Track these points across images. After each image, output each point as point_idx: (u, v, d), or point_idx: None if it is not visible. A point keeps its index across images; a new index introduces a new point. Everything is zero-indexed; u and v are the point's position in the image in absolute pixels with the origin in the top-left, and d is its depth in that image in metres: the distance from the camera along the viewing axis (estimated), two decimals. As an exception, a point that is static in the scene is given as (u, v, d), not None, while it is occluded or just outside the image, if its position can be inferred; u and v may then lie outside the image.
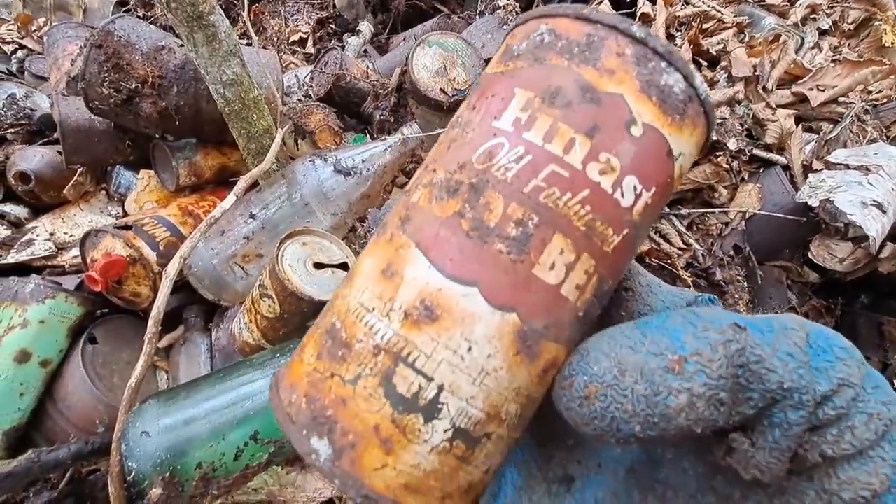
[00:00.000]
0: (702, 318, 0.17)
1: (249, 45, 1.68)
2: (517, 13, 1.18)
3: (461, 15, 1.73)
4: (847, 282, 1.08)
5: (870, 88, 1.13)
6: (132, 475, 0.68)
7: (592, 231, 0.19)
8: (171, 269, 0.76)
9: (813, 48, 1.25)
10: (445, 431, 0.19)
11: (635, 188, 0.20)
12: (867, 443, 0.16)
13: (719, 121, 0.93)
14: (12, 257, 1.09)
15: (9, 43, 1.96)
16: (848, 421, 0.16)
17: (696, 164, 0.97)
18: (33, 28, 2.02)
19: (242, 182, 0.85)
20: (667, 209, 1.02)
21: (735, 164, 0.98)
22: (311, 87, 1.27)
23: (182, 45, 1.00)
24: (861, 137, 1.06)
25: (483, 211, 0.19)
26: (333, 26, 2.05)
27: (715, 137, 0.92)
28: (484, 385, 0.19)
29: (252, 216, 0.91)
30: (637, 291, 0.24)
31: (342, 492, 0.18)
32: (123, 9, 2.09)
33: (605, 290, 0.21)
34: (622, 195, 0.20)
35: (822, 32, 1.30)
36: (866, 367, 0.17)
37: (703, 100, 0.21)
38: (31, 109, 1.38)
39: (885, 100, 1.15)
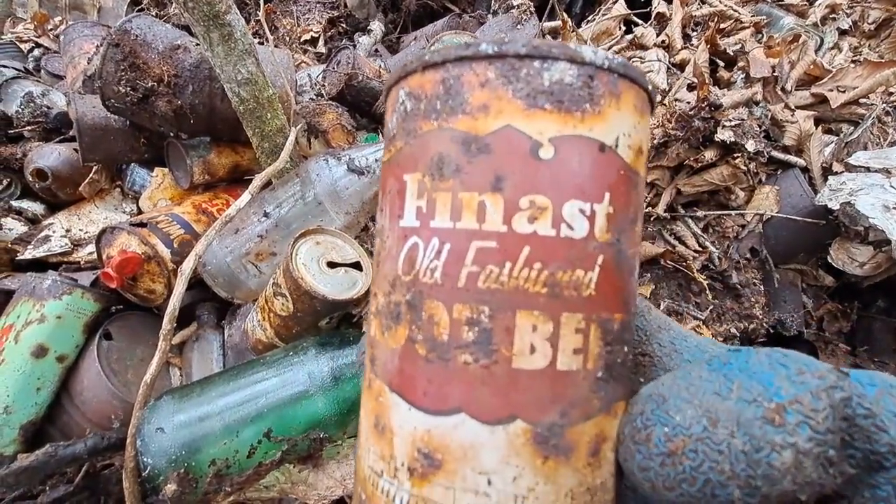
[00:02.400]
0: (792, 359, 0.15)
1: (262, 44, 1.68)
2: (531, 13, 1.17)
3: (472, 14, 1.72)
4: (864, 286, 1.06)
5: (891, 90, 1.11)
6: (147, 470, 0.68)
7: (558, 287, 0.16)
8: (187, 266, 0.77)
9: (832, 48, 1.22)
10: None
11: (582, 211, 0.17)
12: None
13: (738, 122, 0.91)
14: (29, 253, 1.10)
15: (26, 41, 1.98)
16: None
17: (713, 165, 0.96)
18: (49, 27, 2.04)
19: (257, 181, 0.85)
20: (682, 211, 1.01)
21: (752, 165, 0.97)
22: (324, 86, 1.27)
23: (197, 44, 1.00)
24: (882, 139, 1.05)
25: (430, 326, 0.17)
26: (344, 25, 2.06)
27: (733, 139, 0.91)
28: None
29: (266, 215, 0.91)
30: (655, 356, 0.21)
31: None
32: (137, 7, 2.11)
33: (618, 329, 0.18)
34: (571, 229, 0.17)
35: (842, 32, 1.28)
36: None
37: (607, 67, 0.17)
38: (48, 107, 1.40)
39: (906, 101, 1.12)
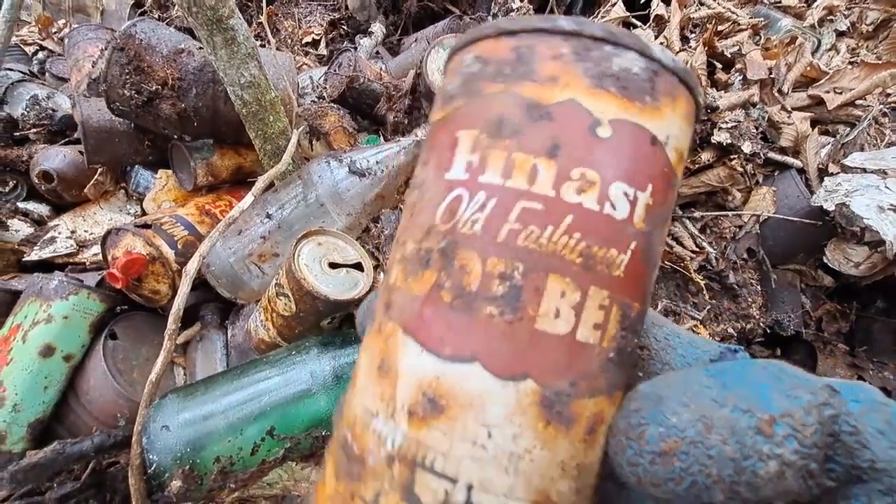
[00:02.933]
0: (787, 374, 0.15)
1: (264, 46, 1.70)
2: (530, 15, 1.18)
3: (472, 16, 1.73)
4: (863, 286, 1.07)
5: (888, 91, 1.11)
6: (153, 468, 0.69)
7: (592, 260, 0.17)
8: (191, 267, 0.78)
9: (830, 50, 1.23)
10: None
11: (626, 195, 0.17)
12: None
13: (734, 124, 0.92)
14: (35, 254, 1.12)
15: (30, 44, 2.00)
16: None
17: (710, 166, 0.97)
18: (53, 30, 2.06)
19: (260, 183, 0.87)
20: (680, 212, 1.02)
21: (749, 167, 0.98)
22: (326, 88, 1.28)
23: (201, 48, 1.02)
24: (879, 140, 1.05)
25: (461, 275, 0.17)
26: (346, 28, 2.07)
27: (730, 140, 0.92)
28: (520, 471, 0.16)
29: (268, 216, 0.93)
30: (653, 350, 0.22)
31: None
32: (140, 10, 2.13)
33: (634, 318, 0.18)
34: (613, 208, 0.17)
35: (840, 34, 1.29)
36: None
37: (671, 68, 0.18)
38: (53, 110, 1.42)
39: (903, 102, 1.13)
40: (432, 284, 0.18)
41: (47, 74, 1.77)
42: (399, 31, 2.14)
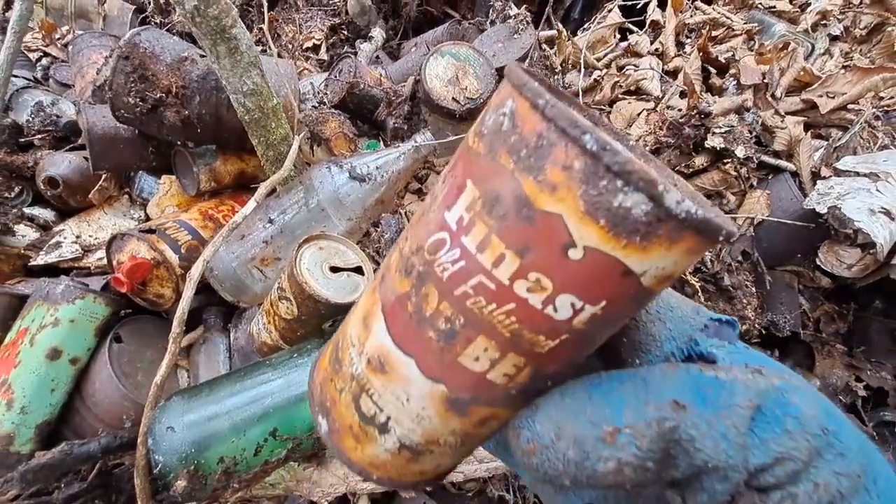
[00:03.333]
0: (650, 389, 0.18)
1: (264, 51, 1.72)
2: (527, 23, 1.20)
3: (472, 21, 1.75)
4: (861, 287, 1.08)
5: (881, 95, 1.13)
6: (158, 468, 0.71)
7: (519, 337, 0.20)
8: (196, 271, 0.80)
9: (824, 54, 1.25)
10: (394, 443, 0.24)
11: (573, 305, 0.19)
12: None
13: (728, 128, 0.94)
14: (41, 259, 1.13)
15: (34, 51, 2.02)
16: (793, 487, 0.17)
17: (704, 170, 0.98)
18: (57, 36, 2.08)
19: (263, 189, 0.89)
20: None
21: (743, 170, 0.99)
22: (326, 94, 1.30)
23: (204, 56, 1.04)
24: (872, 144, 1.07)
25: (423, 301, 0.22)
26: (346, 32, 2.09)
27: (723, 145, 0.94)
28: (421, 425, 0.24)
29: (270, 221, 0.94)
30: (641, 321, 0.24)
31: (331, 452, 0.24)
32: (141, 15, 2.15)
33: (549, 374, 0.22)
34: (555, 311, 0.19)
35: (834, 38, 1.30)
36: (830, 434, 0.17)
37: (683, 219, 0.17)
38: (57, 116, 1.43)
39: (896, 106, 1.15)
40: (406, 292, 0.23)
41: (51, 80, 1.79)
42: (399, 36, 2.16)
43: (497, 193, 0.19)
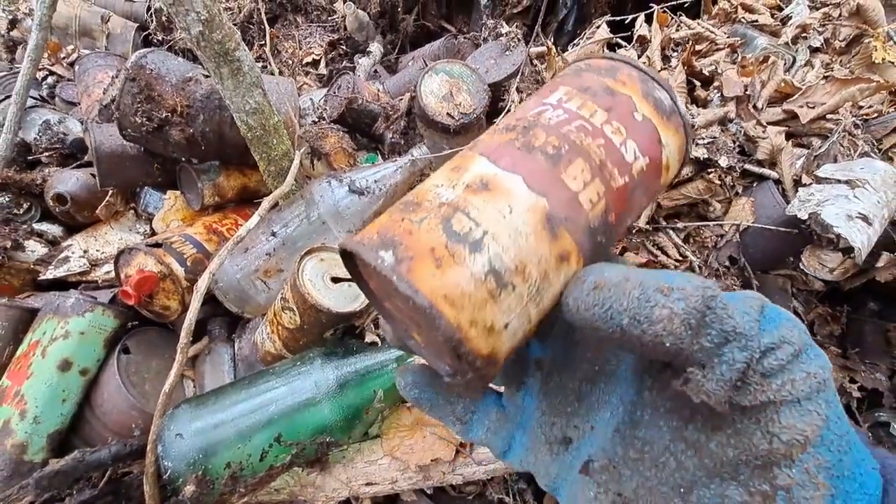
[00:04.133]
0: (684, 275, 0.23)
1: (265, 68, 1.76)
2: (518, 40, 1.25)
3: (467, 36, 1.80)
4: (854, 289, 1.11)
5: (861, 104, 1.17)
6: (167, 474, 0.74)
7: (604, 166, 0.27)
8: (202, 284, 0.83)
9: (805, 66, 1.30)
10: (483, 265, 0.23)
11: (635, 151, 0.28)
12: (803, 393, 0.20)
13: (711, 139, 0.98)
14: (50, 273, 1.17)
15: (40, 70, 2.07)
16: (790, 374, 0.20)
17: (689, 180, 1.02)
18: (62, 55, 2.13)
19: (266, 203, 0.92)
20: (663, 222, 1.08)
21: (728, 179, 1.03)
22: (325, 109, 1.34)
23: (207, 76, 1.08)
24: (852, 151, 1.11)
25: (531, 138, 0.27)
26: (344, 48, 2.14)
27: (707, 155, 0.97)
28: (517, 241, 0.24)
29: (273, 234, 0.98)
30: None
31: (398, 287, 0.22)
32: (144, 33, 2.20)
33: (608, 222, 0.27)
34: (626, 151, 0.28)
35: (815, 50, 1.35)
36: (809, 340, 0.22)
37: (681, 115, 0.30)
38: (64, 134, 1.48)
39: (875, 115, 1.19)
40: (510, 139, 0.27)
41: (57, 99, 1.84)
42: (397, 50, 2.21)
43: (587, 85, 0.30)
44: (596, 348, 0.29)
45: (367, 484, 0.85)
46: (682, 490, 0.24)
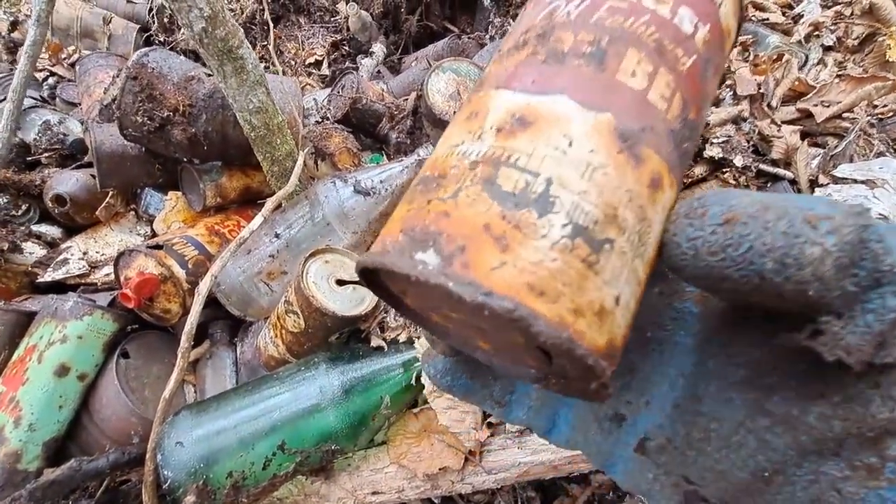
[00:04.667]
0: (828, 200, 0.17)
1: (268, 68, 1.75)
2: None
3: (471, 35, 1.79)
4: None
5: (875, 103, 1.15)
6: (167, 483, 0.71)
7: (662, 48, 0.20)
8: (204, 286, 0.81)
9: (818, 64, 1.27)
10: (564, 226, 0.17)
11: (691, 19, 0.21)
12: None
13: (726, 138, 0.96)
14: (49, 276, 1.14)
15: (40, 70, 2.06)
16: None
17: (703, 180, 1.00)
18: (63, 56, 2.12)
19: (269, 204, 0.90)
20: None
21: (742, 179, 1.00)
22: (329, 109, 1.32)
23: (210, 75, 1.06)
24: (868, 151, 1.08)
25: (555, 44, 0.20)
26: (347, 48, 2.13)
27: (722, 154, 0.95)
28: (594, 180, 0.18)
29: (277, 236, 0.96)
30: None
31: (460, 295, 0.16)
32: (146, 34, 2.19)
33: (690, 119, 0.21)
34: (681, 22, 0.21)
35: (827, 48, 1.33)
36: None
37: None
38: (64, 134, 1.46)
39: (891, 114, 1.17)
40: (528, 55, 0.21)
41: (58, 99, 1.82)
42: (400, 51, 2.19)
43: None
44: (648, 309, 0.23)
45: (373, 493, 0.82)
46: (765, 474, 0.20)
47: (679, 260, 0.18)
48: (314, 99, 1.41)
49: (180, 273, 0.98)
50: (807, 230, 0.16)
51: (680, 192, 0.21)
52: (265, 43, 1.97)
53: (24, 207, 1.30)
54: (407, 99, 1.24)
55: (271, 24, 1.27)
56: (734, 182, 0.99)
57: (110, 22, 2.20)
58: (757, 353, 0.20)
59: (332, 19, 2.19)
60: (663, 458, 0.23)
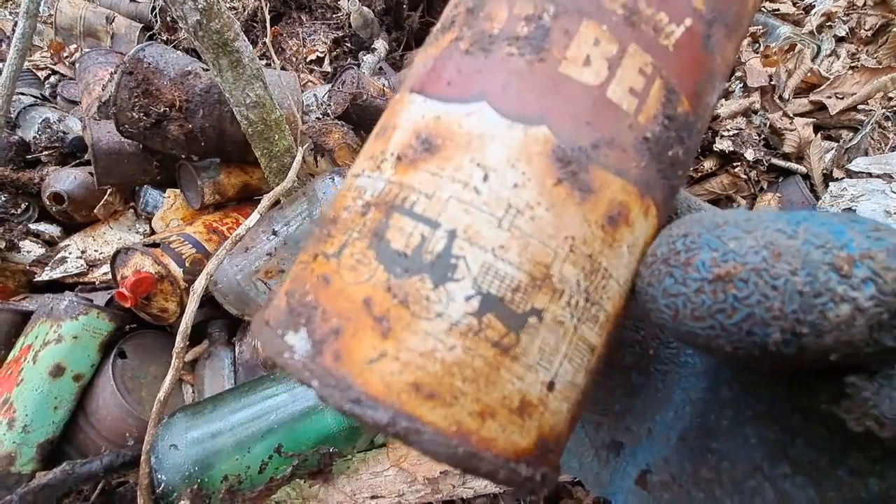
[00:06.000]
0: (865, 219, 0.13)
1: (269, 65, 1.73)
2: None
3: (474, 31, 1.76)
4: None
5: (890, 95, 1.11)
6: (161, 487, 0.69)
7: (637, 16, 0.14)
8: (199, 285, 0.79)
9: (830, 56, 1.24)
10: (468, 299, 0.13)
11: None
12: None
13: (736, 131, 0.93)
14: (46, 275, 1.13)
15: (42, 69, 2.05)
16: None
17: (713, 174, 0.97)
18: (65, 54, 2.11)
19: (266, 200, 0.88)
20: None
21: (753, 174, 0.97)
22: (330, 105, 1.30)
23: (207, 70, 1.04)
24: (883, 144, 1.05)
25: (484, 22, 0.15)
26: (349, 45, 2.11)
27: (732, 148, 0.92)
28: (516, 228, 0.13)
29: (274, 233, 0.94)
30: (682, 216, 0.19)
31: (325, 399, 0.13)
32: (148, 33, 2.18)
33: (680, 114, 0.15)
34: None
35: (840, 39, 1.29)
36: None
37: None
38: (64, 132, 1.45)
39: (906, 106, 1.13)
40: (451, 40, 0.16)
41: (59, 98, 1.82)
42: (402, 47, 2.17)
43: None
44: (649, 321, 0.20)
45: (373, 497, 0.80)
46: None
47: (655, 316, 0.14)
48: (314, 95, 1.39)
49: (177, 271, 0.96)
50: (834, 282, 0.12)
51: (667, 213, 0.16)
52: (266, 40, 1.96)
53: (23, 206, 1.29)
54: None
55: (268, 17, 1.25)
56: (745, 176, 0.96)
57: (113, 21, 2.19)
58: (780, 386, 0.16)
59: (334, 16, 2.17)
60: (667, 497, 0.20)
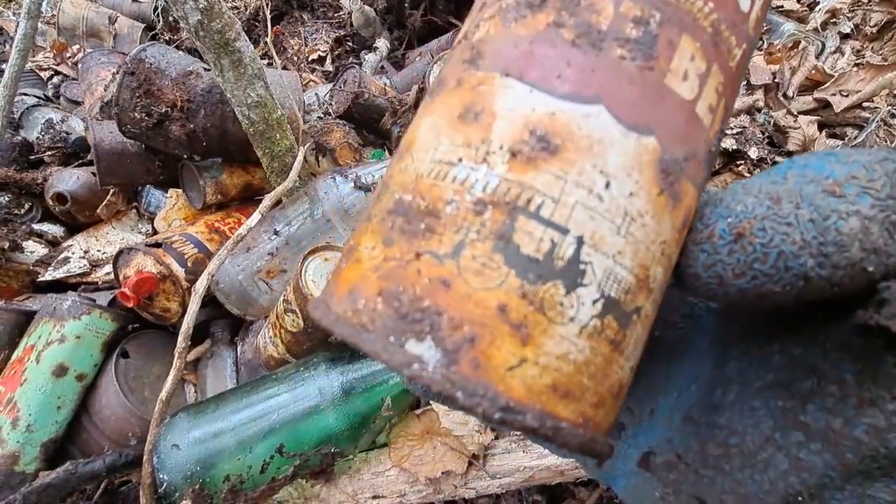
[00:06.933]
0: (838, 152, 0.15)
1: (270, 65, 1.73)
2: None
3: (475, 30, 1.75)
4: None
5: (895, 92, 1.10)
6: (163, 487, 0.70)
7: (719, 36, 0.15)
8: (200, 285, 0.79)
9: (835, 53, 1.23)
10: (595, 303, 0.14)
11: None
12: None
13: (740, 129, 0.92)
14: (49, 275, 1.14)
15: (45, 69, 2.06)
16: None
17: (716, 173, 0.96)
18: (68, 55, 2.12)
19: (267, 200, 0.88)
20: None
21: (757, 172, 0.97)
22: (331, 104, 1.30)
23: (209, 70, 1.04)
24: (888, 142, 1.04)
25: (589, 14, 0.15)
26: (351, 44, 2.11)
27: (735, 146, 0.92)
28: (631, 236, 0.14)
29: (276, 233, 0.94)
30: None
31: (471, 409, 0.13)
32: (151, 33, 2.19)
33: (723, 127, 0.17)
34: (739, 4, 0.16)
35: (844, 36, 1.28)
36: None
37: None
38: (67, 133, 1.45)
39: (912, 103, 1.12)
40: (548, 24, 0.15)
41: (62, 98, 1.82)
42: (404, 46, 2.17)
43: None
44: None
45: (374, 497, 0.80)
46: (799, 499, 0.16)
47: (704, 291, 0.15)
48: (316, 94, 1.39)
49: (179, 271, 0.97)
50: (834, 203, 0.13)
51: None
52: (267, 40, 1.96)
53: (26, 206, 1.29)
54: (409, 93, 1.21)
55: (269, 16, 1.24)
56: (749, 175, 0.95)
57: (116, 21, 2.20)
58: (793, 352, 0.17)
59: (336, 15, 2.17)
60: (672, 476, 0.20)
